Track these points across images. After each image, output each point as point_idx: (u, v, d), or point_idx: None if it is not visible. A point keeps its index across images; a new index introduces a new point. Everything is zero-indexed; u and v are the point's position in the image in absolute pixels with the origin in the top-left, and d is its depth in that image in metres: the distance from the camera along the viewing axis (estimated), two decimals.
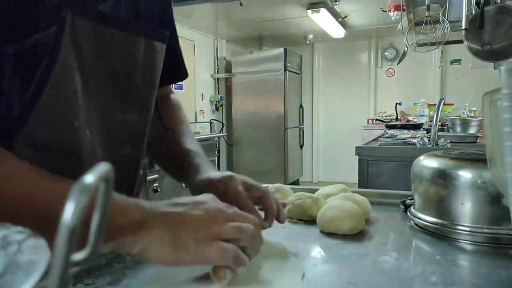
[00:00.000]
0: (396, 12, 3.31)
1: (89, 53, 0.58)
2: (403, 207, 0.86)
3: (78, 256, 0.27)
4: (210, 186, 0.65)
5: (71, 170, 0.56)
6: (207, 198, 0.55)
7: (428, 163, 0.76)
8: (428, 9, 2.68)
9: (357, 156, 2.15)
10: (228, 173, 0.67)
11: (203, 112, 5.29)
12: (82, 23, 0.56)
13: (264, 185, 1.06)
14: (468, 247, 0.67)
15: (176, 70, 0.87)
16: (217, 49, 5.60)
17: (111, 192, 0.27)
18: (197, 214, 0.51)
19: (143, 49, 0.66)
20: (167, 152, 0.80)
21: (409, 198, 0.85)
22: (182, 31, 4.65)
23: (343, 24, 4.80)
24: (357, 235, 0.71)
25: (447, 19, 2.49)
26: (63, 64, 0.54)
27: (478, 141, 2.62)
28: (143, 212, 0.50)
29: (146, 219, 0.49)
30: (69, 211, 0.23)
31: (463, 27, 2.08)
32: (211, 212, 0.51)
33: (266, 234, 0.66)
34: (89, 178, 0.25)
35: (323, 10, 4.02)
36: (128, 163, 0.70)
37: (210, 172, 0.70)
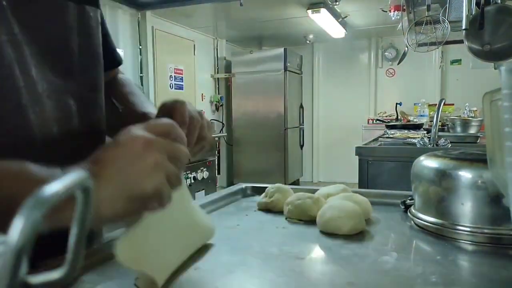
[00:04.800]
0: (396, 12, 3.32)
1: (21, 25, 0.56)
2: (403, 207, 0.86)
3: (54, 275, 0.23)
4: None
5: (24, 152, 0.53)
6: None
7: (428, 163, 0.76)
8: (428, 9, 2.68)
9: (357, 156, 2.15)
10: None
11: (203, 112, 5.24)
12: None
13: (264, 185, 1.06)
14: (468, 247, 0.66)
15: (108, 55, 0.81)
16: (217, 49, 5.59)
17: (91, 203, 0.24)
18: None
19: (75, 14, 0.64)
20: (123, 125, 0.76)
21: (409, 198, 0.85)
22: (182, 31, 4.64)
23: (343, 24, 4.80)
24: (357, 235, 0.71)
25: (447, 19, 2.49)
26: None
27: (478, 141, 2.62)
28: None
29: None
30: (16, 229, 0.18)
31: (463, 27, 2.08)
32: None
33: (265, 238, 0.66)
34: (48, 189, 0.20)
35: (323, 10, 4.02)
36: (86, 134, 0.67)
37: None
